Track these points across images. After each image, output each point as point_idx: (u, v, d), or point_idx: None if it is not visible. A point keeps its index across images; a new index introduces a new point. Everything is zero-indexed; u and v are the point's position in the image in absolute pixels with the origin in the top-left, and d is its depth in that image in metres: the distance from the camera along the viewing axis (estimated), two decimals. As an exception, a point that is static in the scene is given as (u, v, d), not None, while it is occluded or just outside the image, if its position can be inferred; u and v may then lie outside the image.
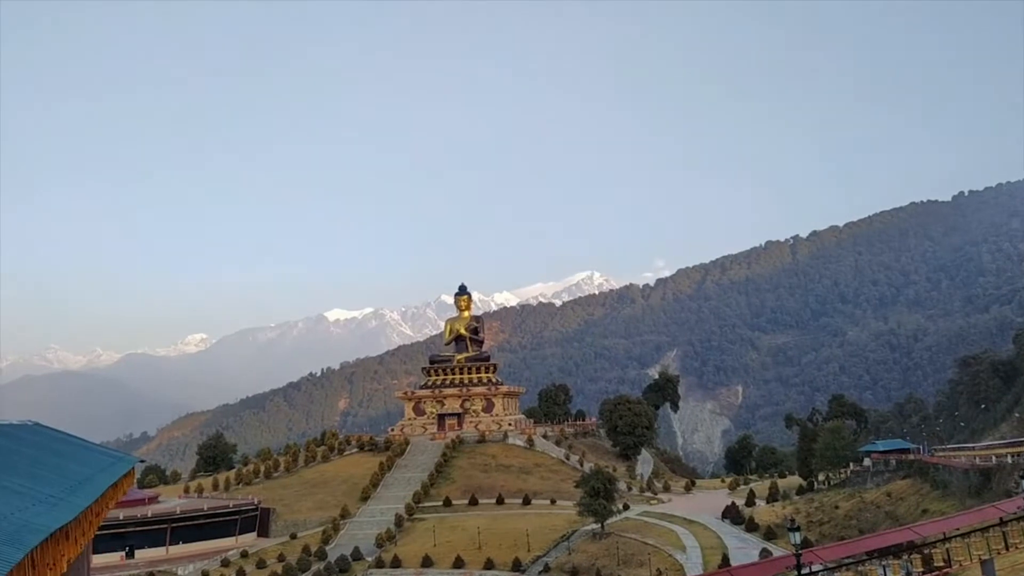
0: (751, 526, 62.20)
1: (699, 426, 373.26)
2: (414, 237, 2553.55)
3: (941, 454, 68.91)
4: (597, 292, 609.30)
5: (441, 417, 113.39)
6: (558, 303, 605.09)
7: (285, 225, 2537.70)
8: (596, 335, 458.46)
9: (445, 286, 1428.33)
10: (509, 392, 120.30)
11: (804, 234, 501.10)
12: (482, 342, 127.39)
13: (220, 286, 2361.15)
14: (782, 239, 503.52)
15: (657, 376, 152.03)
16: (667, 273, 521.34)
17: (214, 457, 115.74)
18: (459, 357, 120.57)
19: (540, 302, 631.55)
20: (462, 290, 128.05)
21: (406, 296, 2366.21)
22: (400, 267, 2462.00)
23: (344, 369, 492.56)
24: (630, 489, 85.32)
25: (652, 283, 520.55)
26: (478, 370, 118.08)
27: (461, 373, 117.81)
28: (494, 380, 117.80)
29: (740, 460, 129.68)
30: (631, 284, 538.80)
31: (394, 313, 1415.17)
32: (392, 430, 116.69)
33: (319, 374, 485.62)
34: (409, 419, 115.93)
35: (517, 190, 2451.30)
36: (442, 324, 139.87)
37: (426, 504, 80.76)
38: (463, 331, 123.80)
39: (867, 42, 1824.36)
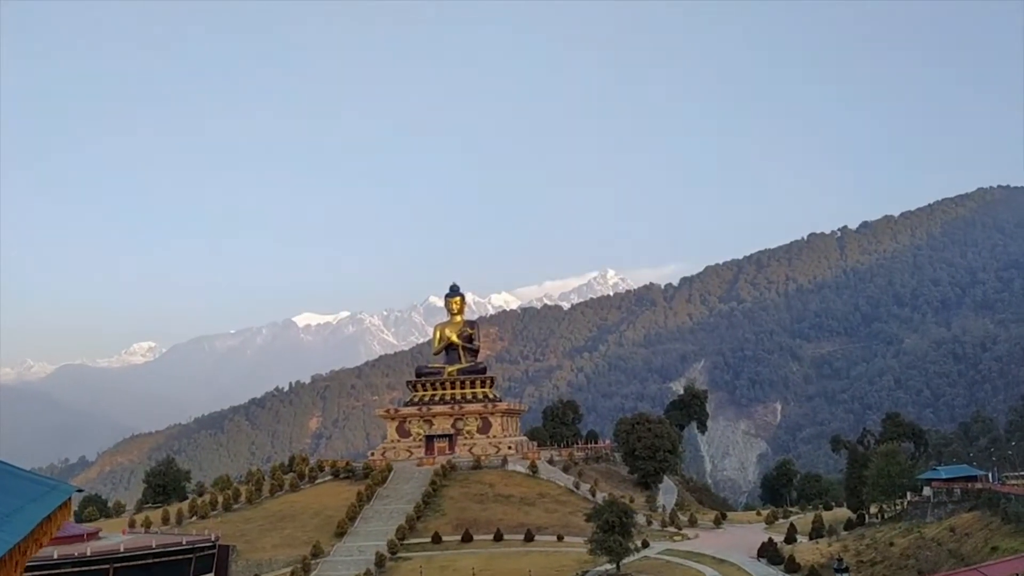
0: (791, 567, 62.27)
1: (731, 449, 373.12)
2: (399, 230, 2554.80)
3: (1014, 482, 68.90)
4: (611, 293, 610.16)
5: (429, 439, 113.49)
6: (566, 306, 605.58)
7: (247, 216, 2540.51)
8: (610, 343, 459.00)
9: (434, 286, 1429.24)
10: (509, 410, 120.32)
11: (853, 225, 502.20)
12: (477, 351, 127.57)
13: (171, 286, 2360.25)
14: (827, 231, 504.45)
15: (682, 391, 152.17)
16: (693, 271, 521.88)
17: (164, 486, 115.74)
18: (450, 369, 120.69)
19: (545, 304, 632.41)
20: (454, 291, 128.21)
21: (389, 298, 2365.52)
22: (382, 264, 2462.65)
23: (316, 383, 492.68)
24: (650, 523, 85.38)
25: (676, 282, 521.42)
26: (472, 384, 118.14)
27: (453, 388, 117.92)
28: (491, 396, 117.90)
29: (779, 489, 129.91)
30: (651, 284, 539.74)
31: (374, 318, 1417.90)
32: (372, 454, 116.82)
33: (287, 389, 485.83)
34: (392, 441, 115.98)
35: (517, 177, 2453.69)
36: (430, 330, 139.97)
37: (412, 541, 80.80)
38: (455, 338, 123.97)
39: (928, 5, 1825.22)
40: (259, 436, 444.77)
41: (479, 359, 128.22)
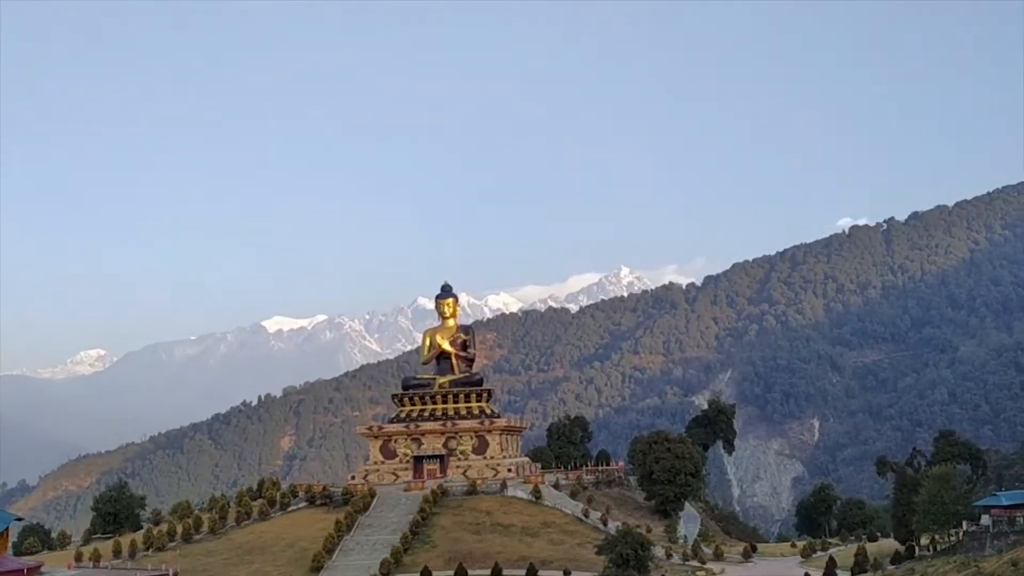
0: (831, 606, 62.15)
1: (762, 472, 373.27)
2: (383, 223, 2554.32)
3: (1084, 510, 68.81)
4: (626, 294, 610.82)
5: (418, 460, 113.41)
6: (574, 308, 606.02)
7: (209, 206, 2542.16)
8: (624, 351, 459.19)
9: (423, 286, 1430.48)
10: (509, 427, 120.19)
11: (901, 216, 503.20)
12: (473, 360, 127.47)
13: (123, 286, 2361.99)
14: (872, 223, 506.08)
15: (706, 406, 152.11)
16: (719, 269, 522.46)
17: (116, 514, 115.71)
18: (442, 380, 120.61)
19: (550, 307, 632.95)
20: (446, 291, 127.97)
21: (371, 300, 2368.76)
22: (364, 262, 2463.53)
23: (289, 396, 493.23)
24: (670, 556, 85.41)
25: (699, 282, 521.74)
26: (467, 397, 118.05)
27: (444, 402, 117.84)
28: (488, 411, 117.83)
29: (816, 517, 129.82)
30: (671, 283, 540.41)
31: (355, 322, 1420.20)
32: (353, 478, 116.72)
33: (255, 403, 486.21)
34: (375, 463, 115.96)
35: (519, 162, 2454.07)
36: (419, 336, 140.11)
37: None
38: (447, 346, 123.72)
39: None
40: (224, 457, 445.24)
41: (475, 369, 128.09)
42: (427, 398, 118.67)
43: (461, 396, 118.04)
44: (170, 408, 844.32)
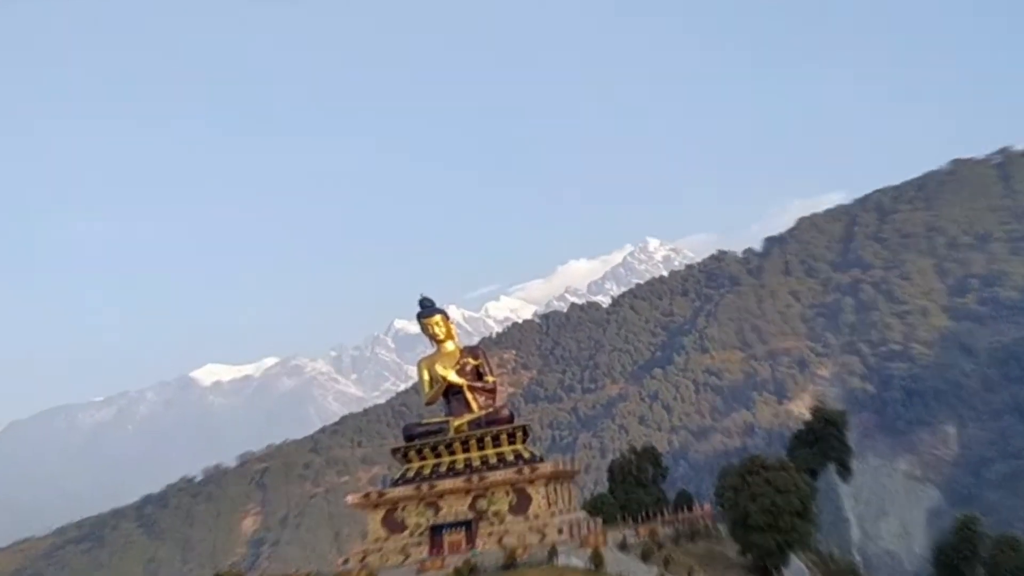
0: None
1: (888, 504, 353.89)
2: (338, 235, 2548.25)
3: None
4: (665, 273, 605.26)
5: (436, 530, 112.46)
6: (605, 300, 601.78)
7: (117, 228, 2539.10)
8: (690, 349, 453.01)
9: (398, 306, 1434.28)
10: (556, 473, 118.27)
11: (1020, 145, 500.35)
12: (494, 390, 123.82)
13: (11, 336, 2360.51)
14: (980, 156, 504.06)
15: (809, 416, 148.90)
16: (779, 228, 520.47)
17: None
18: (457, 423, 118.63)
19: (572, 304, 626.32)
20: (427, 306, 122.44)
21: (335, 331, 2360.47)
22: (319, 285, 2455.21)
23: (247, 465, 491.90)
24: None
25: (758, 246, 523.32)
26: (496, 440, 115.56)
27: (466, 450, 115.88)
28: (527, 455, 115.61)
29: (958, 564, 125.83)
30: (722, 252, 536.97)
31: (319, 362, 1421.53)
32: (346, 561, 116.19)
33: (200, 477, 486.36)
34: (376, 540, 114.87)
35: (512, 134, 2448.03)
36: (411, 370, 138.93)
37: None
38: (453, 377, 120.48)
39: None
40: (162, 548, 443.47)
41: (499, 401, 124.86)
42: (441, 448, 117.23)
43: (487, 440, 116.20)
44: (81, 490, 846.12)
